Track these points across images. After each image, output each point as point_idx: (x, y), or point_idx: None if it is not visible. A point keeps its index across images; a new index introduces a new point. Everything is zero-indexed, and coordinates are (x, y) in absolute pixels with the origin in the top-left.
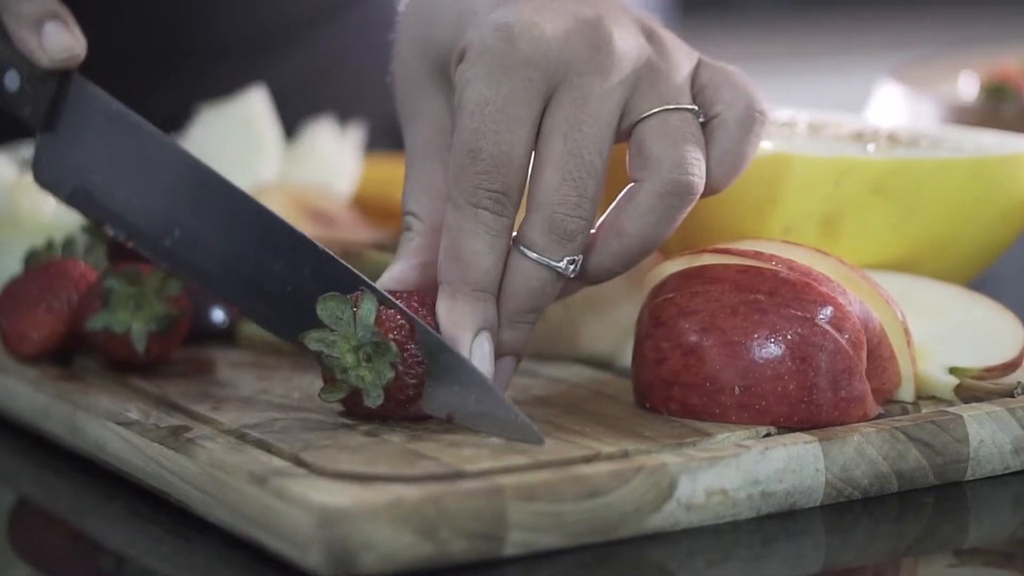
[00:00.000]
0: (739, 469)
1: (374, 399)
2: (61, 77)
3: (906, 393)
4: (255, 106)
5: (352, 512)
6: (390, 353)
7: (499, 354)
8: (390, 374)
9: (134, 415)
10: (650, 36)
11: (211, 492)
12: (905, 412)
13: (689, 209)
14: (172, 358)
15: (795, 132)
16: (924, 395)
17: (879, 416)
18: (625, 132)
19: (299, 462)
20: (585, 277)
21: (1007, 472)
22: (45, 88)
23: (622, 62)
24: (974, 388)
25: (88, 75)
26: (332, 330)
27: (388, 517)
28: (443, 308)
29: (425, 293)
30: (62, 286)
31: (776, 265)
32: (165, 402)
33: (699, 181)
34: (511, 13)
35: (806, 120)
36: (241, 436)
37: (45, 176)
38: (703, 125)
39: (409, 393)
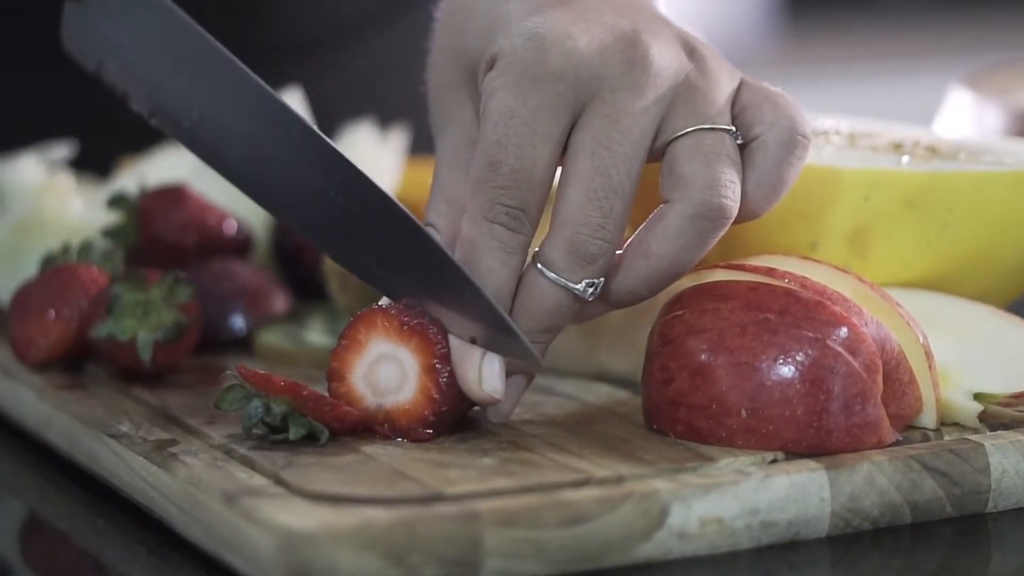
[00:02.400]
0: (737, 497)
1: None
2: None
3: (928, 419)
4: None
5: (316, 535)
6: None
7: (511, 372)
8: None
9: (125, 427)
10: (691, 52)
11: (187, 510)
12: (926, 439)
13: (721, 233)
14: (182, 367)
15: (829, 142)
16: (948, 422)
17: (896, 443)
18: (659, 151)
19: (278, 481)
20: (609, 300)
21: None
22: None
23: (658, 78)
24: (1000, 415)
25: None
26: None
27: (355, 541)
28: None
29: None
30: (72, 292)
31: (789, 283)
32: (163, 414)
33: (732, 204)
34: (544, 22)
35: (847, 129)
36: (228, 452)
37: (73, 45)
38: (743, 147)
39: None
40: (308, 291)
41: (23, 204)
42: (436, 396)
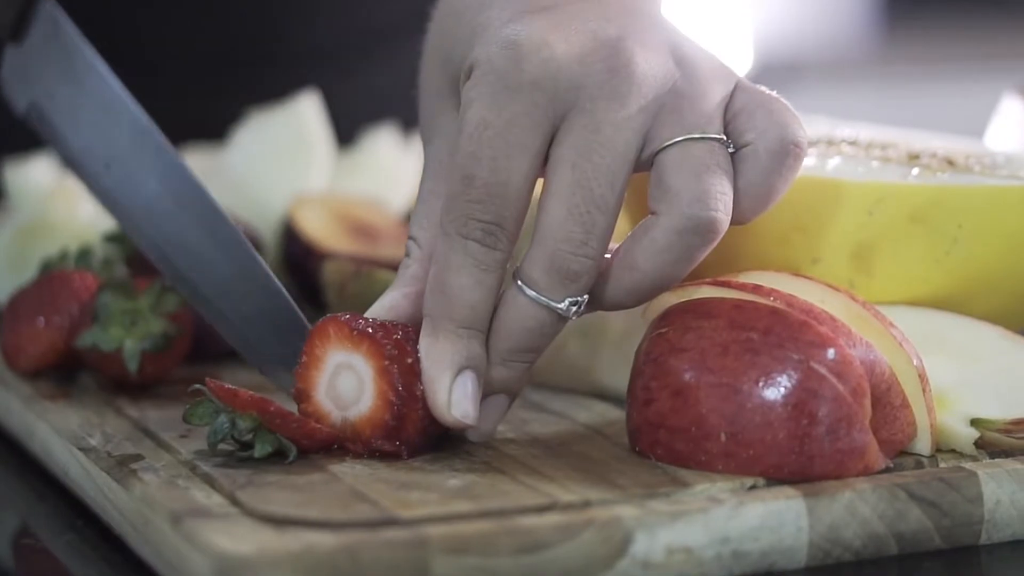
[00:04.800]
0: (706, 526)
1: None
2: None
3: (922, 446)
4: (305, 112)
5: (254, 560)
6: (260, 427)
7: (490, 392)
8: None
9: (95, 441)
10: (680, 59)
11: (139, 528)
12: (920, 466)
13: (711, 247)
14: (173, 377)
15: (840, 152)
16: (945, 448)
17: (887, 470)
18: (646, 162)
19: (234, 501)
20: (591, 305)
21: None
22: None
23: (642, 87)
24: (997, 443)
25: (174, 78)
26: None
27: (294, 567)
28: (424, 344)
29: (415, 326)
30: (63, 299)
31: (775, 301)
32: (140, 427)
33: (723, 218)
34: (521, 30)
35: (866, 138)
36: (192, 468)
37: (6, 87)
38: (733, 154)
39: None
40: (315, 299)
41: (31, 208)
42: (392, 399)
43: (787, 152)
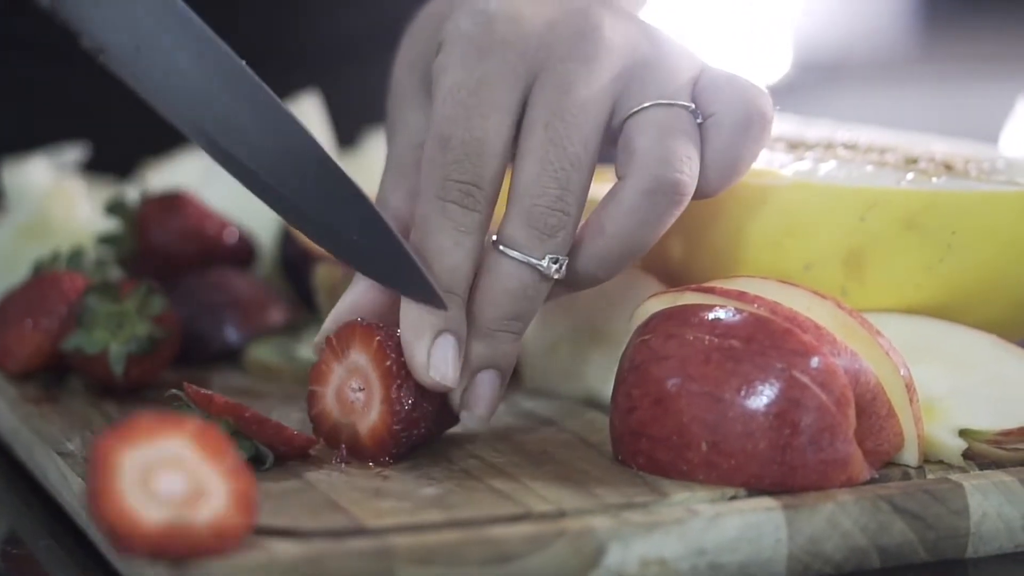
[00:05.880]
0: (682, 537)
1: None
2: None
3: (909, 456)
4: (306, 112)
5: (213, 569)
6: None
7: (478, 367)
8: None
9: (73, 445)
10: (648, 35)
11: None
12: (907, 477)
13: (678, 211)
14: (163, 380)
15: (836, 155)
16: (934, 459)
17: (872, 481)
18: (616, 131)
19: None
20: (565, 281)
21: (1019, 550)
22: None
23: (612, 53)
24: (985, 454)
25: None
26: None
27: None
28: (403, 309)
29: (389, 327)
30: (52, 301)
31: (758, 308)
32: None
33: (688, 180)
34: (491, 1)
35: (865, 142)
36: None
37: None
38: (699, 125)
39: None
40: (312, 302)
41: (28, 208)
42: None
43: (752, 122)
